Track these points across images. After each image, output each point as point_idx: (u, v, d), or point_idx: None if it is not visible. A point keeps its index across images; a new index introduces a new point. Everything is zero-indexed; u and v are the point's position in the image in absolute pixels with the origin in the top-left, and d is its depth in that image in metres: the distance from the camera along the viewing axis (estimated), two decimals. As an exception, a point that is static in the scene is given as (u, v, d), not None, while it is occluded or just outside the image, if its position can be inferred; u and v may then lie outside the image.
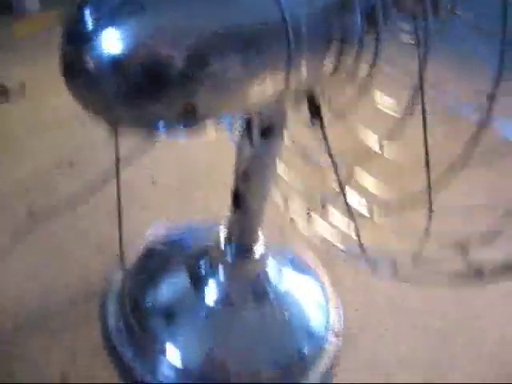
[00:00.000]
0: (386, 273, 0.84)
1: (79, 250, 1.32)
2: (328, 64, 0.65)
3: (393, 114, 0.80)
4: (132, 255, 1.21)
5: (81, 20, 0.55)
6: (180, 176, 1.60)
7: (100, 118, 0.60)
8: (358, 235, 0.84)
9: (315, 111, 0.74)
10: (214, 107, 0.59)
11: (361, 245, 0.84)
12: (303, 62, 0.61)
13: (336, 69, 0.66)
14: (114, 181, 0.70)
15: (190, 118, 0.57)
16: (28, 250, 1.28)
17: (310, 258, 1.28)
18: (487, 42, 0.62)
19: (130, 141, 0.65)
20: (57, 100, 1.74)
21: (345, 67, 0.66)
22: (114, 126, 0.59)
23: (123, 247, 0.79)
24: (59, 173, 1.54)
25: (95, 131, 0.66)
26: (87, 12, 0.55)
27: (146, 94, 0.55)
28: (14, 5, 2.33)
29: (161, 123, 0.58)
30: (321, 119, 0.74)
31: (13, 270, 1.24)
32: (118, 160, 0.65)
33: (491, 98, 0.63)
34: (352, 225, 0.84)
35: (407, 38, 0.73)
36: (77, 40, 0.55)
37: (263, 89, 0.61)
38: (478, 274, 0.69)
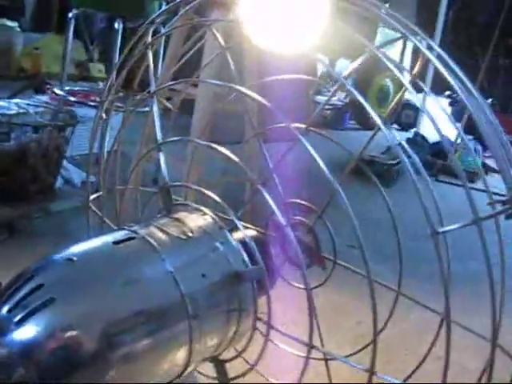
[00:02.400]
0: None
1: None
2: (229, 329, 0.72)
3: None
4: None
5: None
6: None
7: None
8: None
9: (221, 369, 0.78)
10: (129, 381, 0.62)
11: None
12: (205, 332, 0.67)
13: (237, 331, 0.73)
14: None
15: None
16: None
17: None
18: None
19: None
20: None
21: (244, 330, 0.73)
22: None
23: None
24: None
25: None
26: (2, 305, 0.60)
27: (60, 380, 0.57)
28: None
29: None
30: (226, 375, 0.78)
31: None
32: None
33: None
34: None
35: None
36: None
37: (172, 360, 0.66)
38: None
